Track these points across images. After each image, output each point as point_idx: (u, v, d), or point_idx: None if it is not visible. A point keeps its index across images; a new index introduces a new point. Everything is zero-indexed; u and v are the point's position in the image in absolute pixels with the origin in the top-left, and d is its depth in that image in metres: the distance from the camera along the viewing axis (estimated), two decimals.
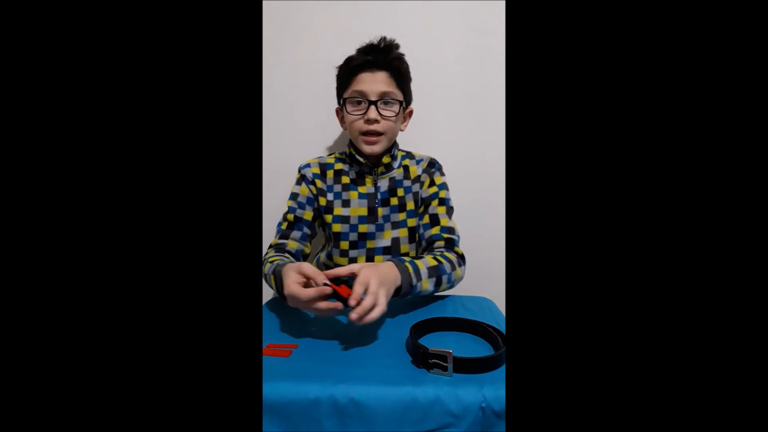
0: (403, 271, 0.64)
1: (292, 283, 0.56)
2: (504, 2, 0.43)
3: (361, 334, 0.59)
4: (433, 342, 0.52)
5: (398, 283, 0.62)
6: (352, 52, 1.02)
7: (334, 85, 1.05)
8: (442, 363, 0.47)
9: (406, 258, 0.68)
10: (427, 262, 0.69)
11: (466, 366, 0.48)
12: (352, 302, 0.52)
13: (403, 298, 0.65)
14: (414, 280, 0.65)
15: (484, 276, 1.01)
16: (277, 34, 1.05)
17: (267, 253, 0.77)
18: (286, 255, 0.77)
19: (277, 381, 0.45)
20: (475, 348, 0.55)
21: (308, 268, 0.57)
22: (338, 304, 0.54)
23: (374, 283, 0.54)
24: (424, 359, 0.49)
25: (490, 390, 0.44)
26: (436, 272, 0.69)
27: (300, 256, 0.81)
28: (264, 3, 0.98)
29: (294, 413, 0.44)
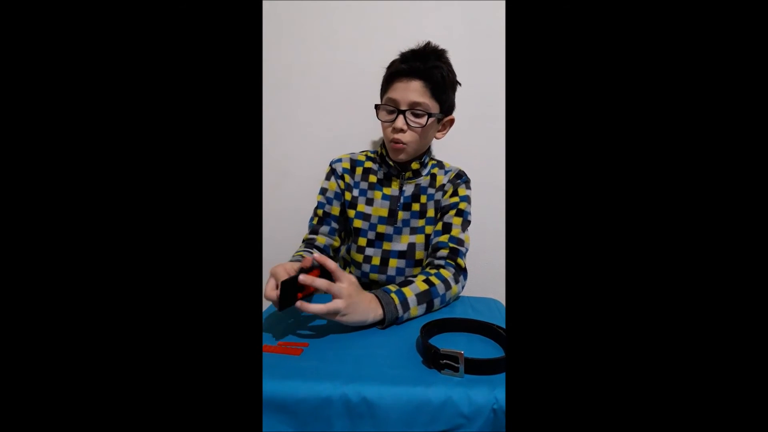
0: (388, 304, 0.62)
1: (282, 271, 0.61)
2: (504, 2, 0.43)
3: (371, 334, 0.59)
4: (444, 343, 0.52)
5: (370, 319, 0.60)
6: (360, 52, 1.03)
7: (345, 85, 1.06)
8: (453, 364, 0.47)
9: (392, 288, 0.65)
10: (416, 287, 0.67)
11: (478, 367, 0.48)
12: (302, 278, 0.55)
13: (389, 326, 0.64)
14: (400, 312, 0.63)
15: (493, 277, 1.01)
16: (285, 35, 1.06)
17: (299, 248, 0.82)
18: (313, 250, 0.80)
19: (288, 379, 0.45)
20: (485, 349, 0.55)
21: (291, 267, 0.61)
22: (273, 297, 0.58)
23: (343, 303, 0.57)
24: (435, 360, 0.48)
25: (502, 391, 0.44)
26: (426, 297, 0.67)
27: (329, 250, 0.84)
28: (267, 3, 0.98)
29: (305, 412, 0.44)
